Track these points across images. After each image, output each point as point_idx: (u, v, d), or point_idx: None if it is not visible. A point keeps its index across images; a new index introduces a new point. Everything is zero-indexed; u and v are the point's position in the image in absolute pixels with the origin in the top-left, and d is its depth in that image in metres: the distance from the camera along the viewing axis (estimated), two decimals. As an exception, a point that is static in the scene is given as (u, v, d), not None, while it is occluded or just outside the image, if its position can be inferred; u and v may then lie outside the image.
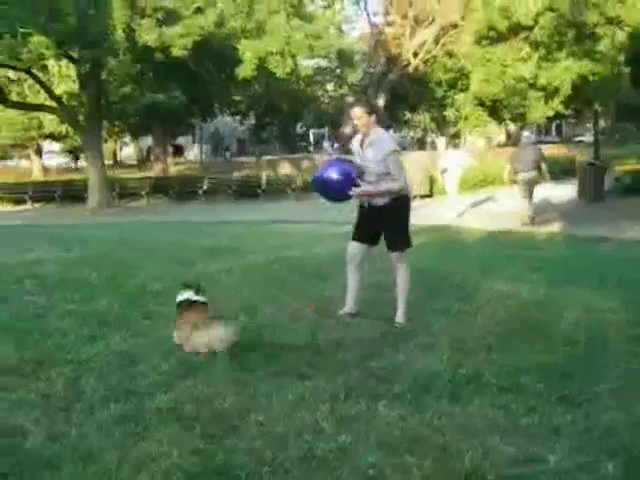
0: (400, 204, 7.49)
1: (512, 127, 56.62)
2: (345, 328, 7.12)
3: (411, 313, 7.63)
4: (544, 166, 19.29)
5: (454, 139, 57.15)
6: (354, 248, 7.77)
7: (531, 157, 19.11)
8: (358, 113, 7.43)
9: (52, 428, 4.66)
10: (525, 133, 23.88)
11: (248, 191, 33.55)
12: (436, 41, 44.20)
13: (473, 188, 27.92)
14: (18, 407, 5.05)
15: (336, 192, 7.48)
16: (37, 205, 35.29)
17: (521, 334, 6.88)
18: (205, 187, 34.26)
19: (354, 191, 7.29)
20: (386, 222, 7.50)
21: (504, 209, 22.38)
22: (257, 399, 5.16)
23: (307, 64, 33.49)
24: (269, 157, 53.10)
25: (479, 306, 8.04)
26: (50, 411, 4.97)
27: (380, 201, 7.47)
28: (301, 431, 4.58)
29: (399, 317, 7.51)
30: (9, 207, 34.74)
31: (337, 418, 4.77)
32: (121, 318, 7.57)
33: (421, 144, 63.56)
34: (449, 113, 49.46)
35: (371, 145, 7.43)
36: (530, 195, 19.33)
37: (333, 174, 7.39)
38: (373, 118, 7.43)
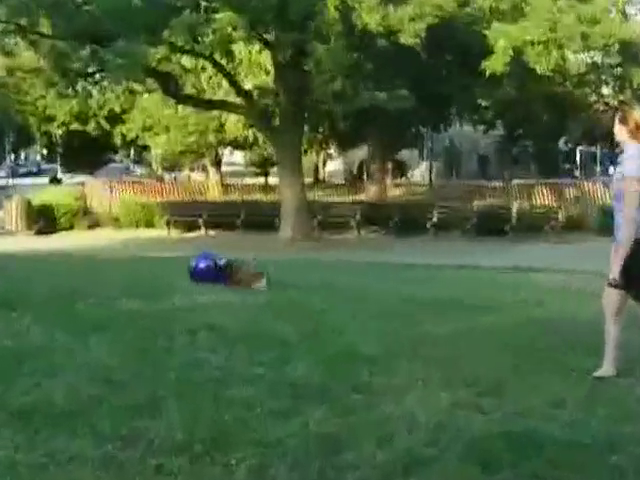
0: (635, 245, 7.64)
1: None
2: (623, 418, 6.92)
3: None
4: None
5: None
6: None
7: None
8: (616, 119, 7.78)
9: (231, 532, 4.75)
10: None
11: (492, 226, 33.41)
12: None
13: None
14: (188, 500, 5.18)
15: None
16: (213, 232, 36.14)
17: None
18: (435, 218, 34.32)
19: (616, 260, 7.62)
20: None
21: None
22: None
23: (578, 59, 32.95)
24: (521, 181, 52.74)
25: None
26: (229, 508, 5.07)
27: None
28: None
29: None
30: (175, 233, 35.65)
31: None
32: (324, 389, 7.67)
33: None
34: None
35: (621, 163, 7.76)
36: None
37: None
38: (625, 129, 7.60)
